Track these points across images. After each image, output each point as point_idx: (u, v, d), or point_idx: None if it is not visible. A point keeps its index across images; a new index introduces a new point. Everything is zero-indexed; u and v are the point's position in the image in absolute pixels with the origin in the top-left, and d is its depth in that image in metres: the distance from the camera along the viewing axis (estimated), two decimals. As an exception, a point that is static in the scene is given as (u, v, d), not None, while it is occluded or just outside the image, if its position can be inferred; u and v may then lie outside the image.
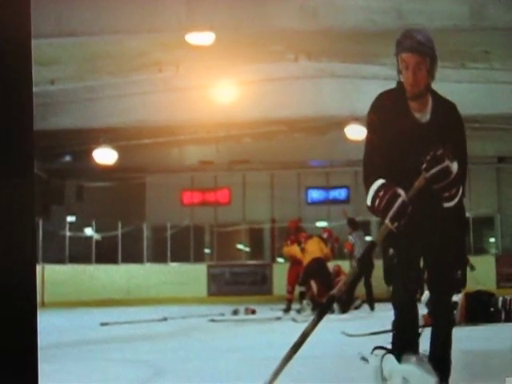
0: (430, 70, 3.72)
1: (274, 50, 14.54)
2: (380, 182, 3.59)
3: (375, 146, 3.71)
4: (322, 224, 21.63)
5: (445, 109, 3.81)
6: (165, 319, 12.35)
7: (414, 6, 11.11)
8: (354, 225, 15.20)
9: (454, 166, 3.54)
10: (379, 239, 3.69)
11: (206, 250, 23.70)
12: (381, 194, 3.55)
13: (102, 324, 11.63)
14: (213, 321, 12.19)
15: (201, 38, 12.03)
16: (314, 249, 13.94)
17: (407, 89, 3.69)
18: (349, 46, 13.92)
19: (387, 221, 3.53)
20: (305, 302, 13.97)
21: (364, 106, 13.43)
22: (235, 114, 17.49)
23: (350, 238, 15.08)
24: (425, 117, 3.76)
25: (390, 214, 3.50)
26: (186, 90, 16.96)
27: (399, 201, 3.50)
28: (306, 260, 13.89)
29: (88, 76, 15.91)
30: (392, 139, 3.69)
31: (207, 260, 22.82)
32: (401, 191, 3.53)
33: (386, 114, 3.74)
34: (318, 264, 13.70)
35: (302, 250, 14.07)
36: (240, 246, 23.72)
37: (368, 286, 14.16)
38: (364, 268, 14.24)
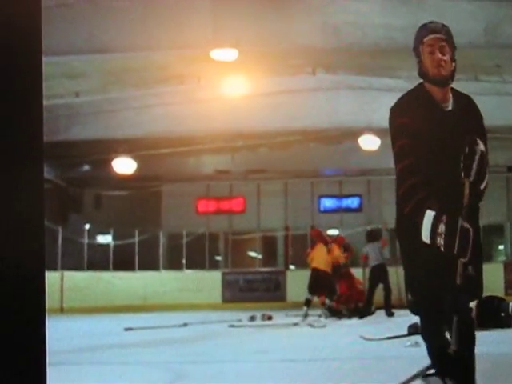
0: (454, 57, 3.62)
1: (293, 63, 15.01)
2: (431, 214, 3.40)
3: (408, 151, 3.57)
4: (333, 232, 22.06)
5: (463, 100, 3.75)
6: (185, 325, 12.59)
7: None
8: (369, 236, 15.78)
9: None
10: (460, 281, 3.48)
11: (218, 257, 24.07)
12: (440, 230, 3.36)
13: (126, 329, 11.90)
14: (232, 326, 12.42)
15: (225, 54, 12.52)
16: (316, 257, 14.50)
17: (434, 72, 3.57)
18: (365, 60, 14.37)
19: (461, 259, 3.39)
20: (323, 309, 14.35)
21: (379, 117, 14.02)
22: (253, 124, 17.98)
23: (364, 249, 15.59)
24: (448, 107, 3.67)
25: (459, 249, 3.34)
26: (206, 101, 17.42)
27: (463, 233, 3.35)
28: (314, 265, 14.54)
29: (112, 88, 16.41)
30: (426, 135, 3.57)
31: (221, 267, 23.17)
32: (458, 220, 3.37)
33: (413, 111, 3.61)
34: (317, 275, 14.29)
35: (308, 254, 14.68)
36: (253, 254, 24.09)
37: (387, 292, 14.62)
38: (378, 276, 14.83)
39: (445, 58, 3.57)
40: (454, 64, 3.61)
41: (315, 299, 14.69)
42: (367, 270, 16.20)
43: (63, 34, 12.26)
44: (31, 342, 1.64)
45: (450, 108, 3.66)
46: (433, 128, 3.60)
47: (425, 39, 3.61)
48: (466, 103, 3.75)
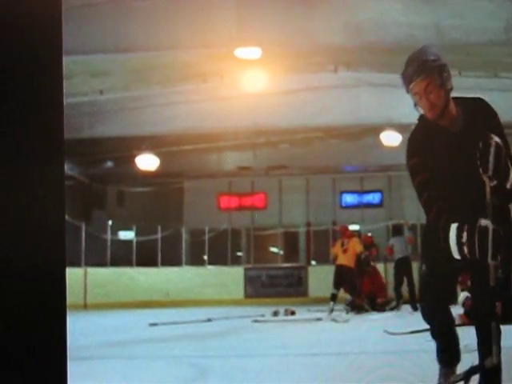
0: (442, 83, 3.59)
1: (315, 61, 15.14)
2: (454, 227, 3.41)
3: (420, 169, 3.67)
4: (354, 227, 22.16)
5: (471, 106, 3.74)
6: (209, 320, 12.72)
7: (453, 22, 11.67)
8: (396, 230, 16.14)
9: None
10: (493, 283, 3.46)
11: (239, 253, 24.23)
12: (464, 239, 3.37)
13: (151, 324, 12.00)
14: (256, 321, 12.56)
15: (249, 52, 12.69)
16: (340, 253, 14.66)
17: (428, 116, 3.66)
18: (386, 57, 14.46)
19: (490, 260, 3.36)
20: (345, 305, 14.51)
21: (399, 113, 14.12)
22: (275, 121, 18.15)
23: (390, 242, 15.85)
24: (456, 127, 3.68)
25: (480, 251, 3.33)
26: (229, 99, 17.58)
27: (482, 233, 3.35)
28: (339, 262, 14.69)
29: (135, 86, 16.61)
30: (435, 155, 3.63)
31: (243, 263, 23.35)
32: (483, 221, 3.38)
33: (422, 137, 3.73)
34: (341, 271, 14.46)
35: (344, 251, 14.73)
36: (275, 249, 24.24)
37: (411, 286, 14.80)
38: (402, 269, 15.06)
39: (432, 99, 3.60)
40: (447, 89, 3.62)
41: (341, 293, 14.85)
42: (389, 265, 16.40)
43: (88, 33, 12.49)
44: (52, 340, 1.65)
45: (458, 126, 3.67)
46: (445, 155, 3.66)
47: (409, 88, 3.69)
48: (473, 109, 3.73)
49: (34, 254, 1.61)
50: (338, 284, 14.69)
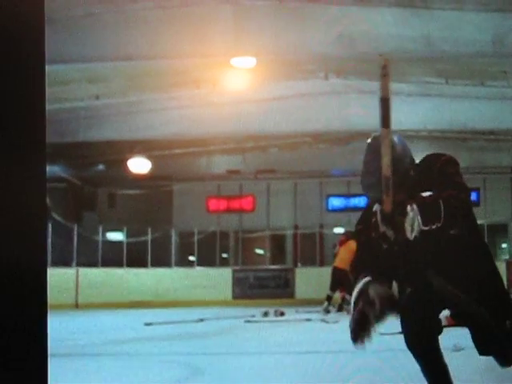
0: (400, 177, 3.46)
1: (307, 69, 15.61)
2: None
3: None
4: (339, 230, 22.63)
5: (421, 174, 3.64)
6: (201, 320, 12.95)
7: (442, 35, 12.18)
8: None
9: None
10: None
11: (224, 255, 24.57)
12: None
13: (146, 324, 12.25)
14: (248, 321, 12.86)
15: (245, 61, 13.14)
16: (341, 257, 15.07)
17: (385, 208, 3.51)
18: (376, 67, 14.94)
19: None
20: (344, 304, 14.87)
21: (388, 120, 14.47)
22: (265, 127, 18.59)
23: None
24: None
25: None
26: (220, 105, 18.00)
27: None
28: (335, 264, 15.09)
29: (131, 92, 17.00)
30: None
31: (231, 264, 23.72)
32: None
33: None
34: (339, 275, 14.87)
35: (335, 255, 15.18)
36: (260, 251, 24.62)
37: None
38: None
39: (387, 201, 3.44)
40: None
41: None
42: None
43: (89, 42, 12.88)
44: (33, 340, 1.65)
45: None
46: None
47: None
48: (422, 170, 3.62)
49: (15, 254, 1.60)
50: (333, 286, 15.12)
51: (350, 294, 11.99)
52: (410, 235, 3.31)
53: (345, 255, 14.99)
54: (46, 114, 1.64)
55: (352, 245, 15.57)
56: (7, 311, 1.60)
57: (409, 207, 3.30)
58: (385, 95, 3.64)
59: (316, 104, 17.92)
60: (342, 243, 15.56)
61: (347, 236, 15.98)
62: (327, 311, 14.52)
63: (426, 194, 3.39)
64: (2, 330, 1.59)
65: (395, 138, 3.59)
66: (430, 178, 3.53)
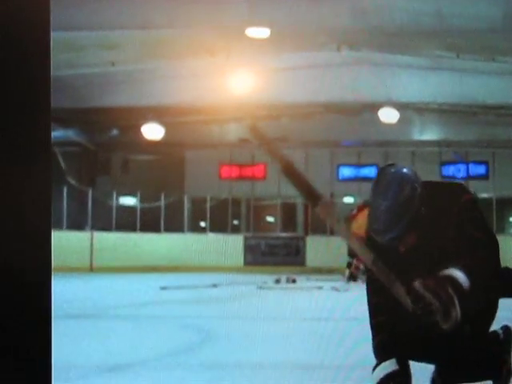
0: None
1: (319, 40, 15.75)
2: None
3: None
4: (349, 199, 22.91)
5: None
6: (215, 286, 13.17)
7: (454, 10, 12.31)
8: None
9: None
10: None
11: (235, 222, 24.87)
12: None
13: (162, 288, 12.52)
14: (261, 288, 13.14)
15: (258, 32, 13.34)
16: (359, 223, 15.31)
17: None
18: (389, 39, 15.08)
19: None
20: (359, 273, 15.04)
21: (398, 92, 14.90)
22: (278, 96, 18.82)
23: None
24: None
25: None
26: (235, 74, 18.19)
27: None
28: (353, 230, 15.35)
29: (145, 59, 17.22)
30: None
31: (243, 232, 24.04)
32: None
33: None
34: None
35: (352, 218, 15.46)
36: (271, 219, 24.90)
37: None
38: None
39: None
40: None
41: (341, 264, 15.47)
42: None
43: (106, 10, 13.09)
44: (37, 305, 1.66)
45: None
46: None
47: None
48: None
49: (19, 220, 1.62)
50: (351, 252, 15.41)
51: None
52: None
53: (362, 222, 15.26)
54: (50, 85, 1.63)
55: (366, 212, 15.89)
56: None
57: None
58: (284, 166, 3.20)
59: (328, 75, 18.06)
60: (360, 210, 15.85)
61: (364, 204, 16.31)
62: (353, 278, 14.68)
63: (444, 273, 3.00)
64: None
65: (404, 172, 3.22)
66: (447, 219, 3.23)
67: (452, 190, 3.37)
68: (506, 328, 3.56)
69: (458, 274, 2.96)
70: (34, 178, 1.62)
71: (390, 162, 3.43)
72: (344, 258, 16.08)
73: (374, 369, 3.33)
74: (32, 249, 1.65)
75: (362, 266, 15.28)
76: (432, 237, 3.20)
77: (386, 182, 3.22)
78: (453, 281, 2.94)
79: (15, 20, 1.59)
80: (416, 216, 3.16)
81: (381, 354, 3.33)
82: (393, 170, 3.27)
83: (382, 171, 3.34)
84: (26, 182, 1.62)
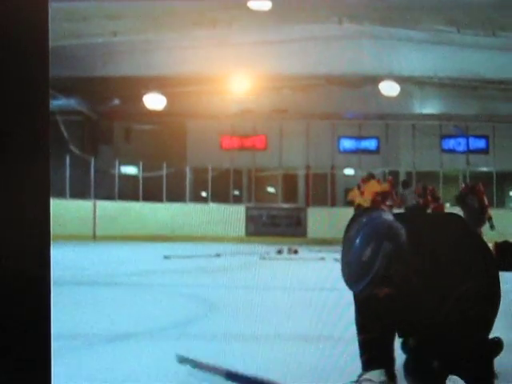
0: None
1: (321, 13, 15.81)
2: None
3: None
4: (350, 171, 23.06)
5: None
6: (218, 255, 13.09)
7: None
8: (405, 184, 17.21)
9: None
10: None
11: (236, 192, 25.00)
12: None
13: (165, 257, 12.56)
14: (263, 258, 13.16)
15: (260, 4, 13.42)
16: (365, 195, 15.60)
17: None
18: (390, 13, 15.14)
19: None
20: None
21: (399, 65, 14.96)
22: (279, 68, 18.88)
23: (402, 193, 17.08)
24: None
25: None
26: (236, 45, 18.26)
27: None
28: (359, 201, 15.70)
29: (148, 30, 17.30)
30: None
31: (245, 202, 24.16)
32: None
33: None
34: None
35: (362, 194, 15.76)
36: (271, 190, 25.06)
37: None
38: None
39: None
40: None
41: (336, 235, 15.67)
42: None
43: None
44: (37, 271, 1.68)
45: None
46: None
47: None
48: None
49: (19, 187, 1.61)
50: None
51: None
52: None
53: (368, 194, 15.59)
54: (49, 58, 1.63)
55: (374, 185, 16.22)
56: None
57: None
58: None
59: (329, 48, 18.13)
60: (365, 182, 16.15)
61: (369, 176, 16.61)
62: None
63: None
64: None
65: (374, 226, 3.05)
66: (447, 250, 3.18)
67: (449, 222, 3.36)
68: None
69: None
70: (32, 147, 1.62)
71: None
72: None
73: (360, 376, 3.33)
74: (31, 217, 1.66)
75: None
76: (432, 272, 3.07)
77: (353, 234, 3.05)
78: None
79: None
80: (384, 274, 2.96)
81: (368, 367, 3.32)
82: (364, 219, 3.08)
83: (354, 218, 3.17)
84: (25, 153, 1.62)
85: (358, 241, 2.98)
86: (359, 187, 16.21)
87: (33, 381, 1.72)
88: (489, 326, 3.20)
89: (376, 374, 3.24)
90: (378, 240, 2.95)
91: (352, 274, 3.03)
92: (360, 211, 3.30)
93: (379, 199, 16.20)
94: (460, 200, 16.16)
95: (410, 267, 3.01)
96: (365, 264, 2.95)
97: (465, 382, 3.08)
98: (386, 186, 16.84)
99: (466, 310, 3.00)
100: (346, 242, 3.07)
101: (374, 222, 3.02)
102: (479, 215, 15.53)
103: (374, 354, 3.31)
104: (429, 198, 16.96)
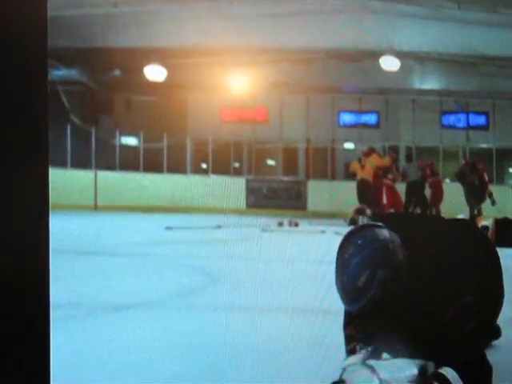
0: None
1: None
2: None
3: None
4: (350, 145, 23.15)
5: None
6: (219, 227, 12.91)
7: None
8: (408, 157, 17.32)
9: None
10: None
11: (236, 164, 25.07)
12: None
13: (167, 228, 12.65)
14: (264, 231, 13.25)
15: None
16: (367, 168, 15.73)
17: None
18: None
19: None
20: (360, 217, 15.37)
21: (400, 41, 15.04)
22: (279, 41, 18.89)
23: (403, 167, 17.24)
24: None
25: None
26: (237, 18, 18.24)
27: None
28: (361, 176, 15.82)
29: (149, 0, 17.30)
30: None
31: (245, 174, 24.24)
32: None
33: None
34: (363, 186, 15.48)
35: (362, 168, 15.90)
36: (271, 162, 25.15)
37: (423, 203, 16.10)
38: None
39: None
40: None
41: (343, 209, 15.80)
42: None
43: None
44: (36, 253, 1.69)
45: None
46: None
47: None
48: None
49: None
50: (361, 198, 15.76)
51: (372, 207, 12.71)
52: None
53: (370, 168, 15.73)
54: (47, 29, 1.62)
55: (376, 159, 16.34)
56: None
57: None
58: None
59: (329, 21, 18.07)
60: (366, 156, 16.28)
61: (371, 150, 16.74)
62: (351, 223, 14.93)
63: None
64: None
65: (369, 251, 3.02)
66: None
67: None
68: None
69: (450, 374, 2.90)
70: (31, 118, 1.62)
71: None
72: (345, 203, 16.41)
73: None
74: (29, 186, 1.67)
75: (368, 211, 15.72)
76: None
77: (347, 257, 3.05)
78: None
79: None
80: (380, 296, 2.96)
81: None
82: (359, 242, 3.05)
83: (348, 238, 3.13)
84: (24, 123, 1.62)
85: (352, 265, 2.98)
86: (360, 161, 16.32)
87: (30, 358, 1.76)
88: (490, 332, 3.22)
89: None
90: (373, 267, 2.95)
91: (348, 296, 3.02)
92: (355, 229, 3.17)
93: (381, 173, 16.32)
94: (460, 177, 16.30)
95: (408, 279, 2.99)
96: (360, 289, 2.95)
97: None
98: (387, 161, 16.94)
99: (467, 321, 2.98)
100: (342, 262, 3.05)
101: (369, 248, 2.98)
102: (480, 192, 15.68)
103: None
104: (427, 171, 17.07)
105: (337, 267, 3.08)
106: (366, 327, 3.18)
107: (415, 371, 2.92)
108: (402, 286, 2.95)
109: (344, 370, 2.95)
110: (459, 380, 2.88)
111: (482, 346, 3.11)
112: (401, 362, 2.93)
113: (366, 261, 2.96)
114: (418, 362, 2.95)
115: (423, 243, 3.09)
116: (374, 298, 2.93)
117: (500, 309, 3.23)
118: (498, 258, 3.30)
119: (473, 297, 3.00)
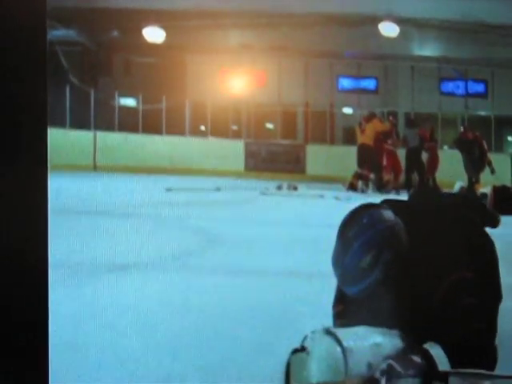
0: None
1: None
2: None
3: None
4: (348, 110, 23.15)
5: None
6: (218, 189, 13.34)
7: None
8: (411, 123, 17.21)
9: None
10: None
11: (234, 127, 25.06)
12: None
13: (167, 189, 12.66)
14: (263, 194, 13.38)
15: None
16: (367, 133, 15.78)
17: None
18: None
19: None
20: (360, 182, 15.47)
21: (399, 7, 15.07)
22: (278, 5, 18.82)
23: (404, 133, 17.33)
24: None
25: None
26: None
27: None
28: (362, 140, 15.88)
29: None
30: None
31: (243, 137, 24.27)
32: None
33: None
34: (363, 151, 15.56)
35: (362, 132, 15.96)
36: (270, 126, 25.16)
37: (421, 170, 16.16)
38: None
39: None
40: None
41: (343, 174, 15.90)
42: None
43: None
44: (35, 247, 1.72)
45: None
46: None
47: None
48: None
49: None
50: (361, 163, 15.83)
51: (373, 172, 12.83)
52: None
53: (370, 132, 15.78)
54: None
55: (377, 124, 16.40)
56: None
57: None
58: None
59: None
60: (367, 120, 16.32)
61: (372, 115, 16.78)
62: (362, 190, 15.06)
63: None
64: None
65: (374, 232, 2.96)
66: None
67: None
68: None
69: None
70: (30, 79, 1.63)
71: (364, 203, 3.07)
72: (344, 168, 16.50)
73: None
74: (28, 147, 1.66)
75: (371, 176, 15.79)
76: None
77: (351, 236, 2.99)
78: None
79: None
80: (382, 279, 2.92)
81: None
82: (365, 221, 2.99)
83: (353, 215, 3.07)
84: (23, 84, 1.64)
85: (357, 245, 2.93)
86: (360, 125, 16.38)
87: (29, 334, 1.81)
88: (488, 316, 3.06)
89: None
90: (379, 248, 2.91)
91: (348, 278, 2.99)
92: (360, 207, 3.08)
93: (381, 138, 16.36)
94: (459, 145, 16.38)
95: (409, 263, 2.93)
96: (363, 270, 2.91)
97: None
98: (387, 126, 16.99)
99: (463, 296, 2.90)
100: (344, 241, 3.01)
101: (375, 228, 2.94)
102: (479, 161, 15.77)
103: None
104: (427, 135, 17.14)
105: (337, 246, 3.03)
106: (359, 308, 3.07)
107: (379, 340, 2.82)
108: (400, 270, 2.89)
109: (306, 337, 2.89)
110: (444, 357, 2.78)
111: (479, 327, 2.95)
112: (365, 330, 2.87)
113: (372, 242, 2.91)
114: (382, 330, 2.86)
115: (423, 229, 3.03)
116: (375, 280, 2.90)
117: (499, 303, 3.15)
118: (493, 246, 3.24)
119: (471, 273, 2.92)
